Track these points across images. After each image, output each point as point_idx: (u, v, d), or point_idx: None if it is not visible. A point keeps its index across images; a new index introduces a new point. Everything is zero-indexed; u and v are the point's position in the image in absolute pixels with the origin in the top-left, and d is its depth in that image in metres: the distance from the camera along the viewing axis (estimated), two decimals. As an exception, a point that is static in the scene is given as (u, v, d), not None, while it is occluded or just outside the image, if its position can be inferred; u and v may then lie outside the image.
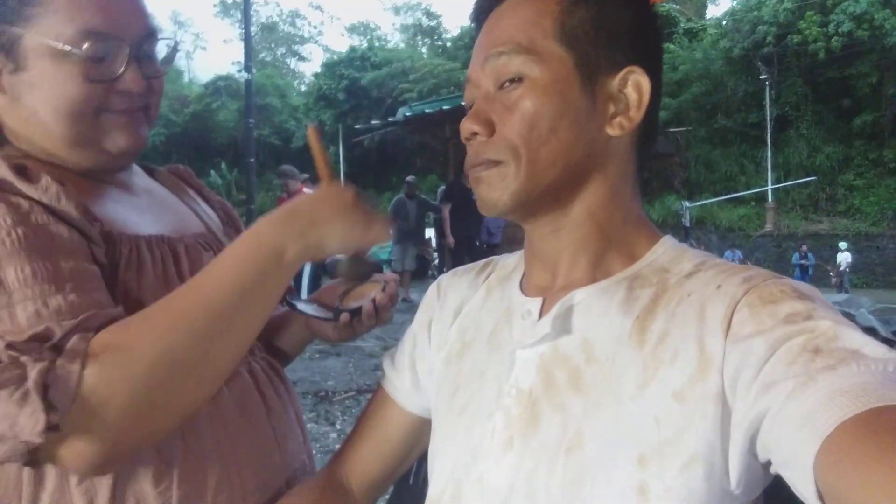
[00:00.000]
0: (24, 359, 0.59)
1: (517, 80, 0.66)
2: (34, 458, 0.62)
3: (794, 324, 0.54)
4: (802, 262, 17.92)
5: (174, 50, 0.89)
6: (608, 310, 0.65)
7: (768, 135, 21.37)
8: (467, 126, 0.68)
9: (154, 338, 0.64)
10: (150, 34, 0.82)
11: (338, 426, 4.34)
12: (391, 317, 0.93)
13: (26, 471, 0.69)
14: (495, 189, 0.67)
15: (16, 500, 0.69)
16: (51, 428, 0.59)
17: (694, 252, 0.69)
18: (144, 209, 0.87)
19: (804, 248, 18.24)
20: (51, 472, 0.69)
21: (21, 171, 0.72)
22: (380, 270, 0.93)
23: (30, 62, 0.75)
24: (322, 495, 0.81)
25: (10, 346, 0.60)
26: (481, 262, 0.87)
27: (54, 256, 0.67)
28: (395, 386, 0.86)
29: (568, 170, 0.67)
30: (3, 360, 0.60)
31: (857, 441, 0.43)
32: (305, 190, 6.95)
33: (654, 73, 0.68)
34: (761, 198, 20.78)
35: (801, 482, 0.47)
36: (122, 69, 0.78)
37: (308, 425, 4.11)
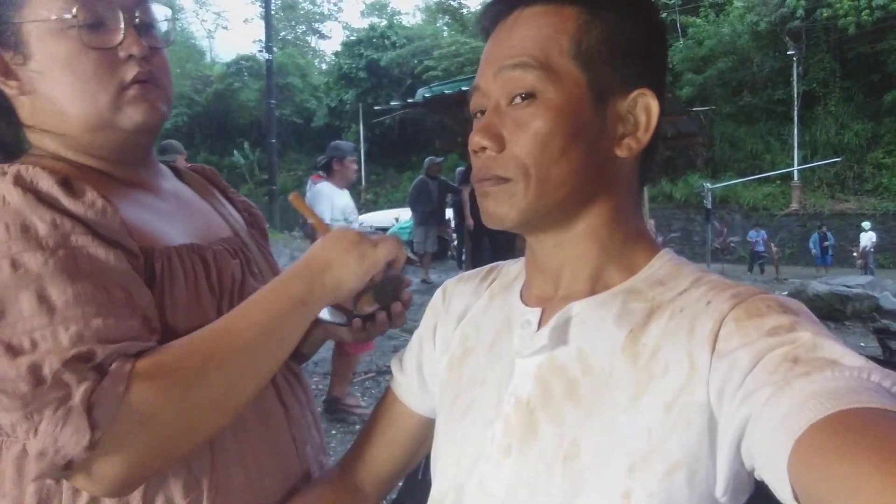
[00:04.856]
0: (67, 378, 0.62)
1: (530, 95, 0.65)
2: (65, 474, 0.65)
3: (777, 336, 0.56)
4: (824, 244, 17.52)
5: (173, 23, 0.89)
6: (604, 322, 0.67)
7: (795, 112, 20.95)
8: (476, 140, 0.68)
9: (192, 367, 0.70)
10: (142, 1, 0.82)
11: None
12: (405, 321, 0.95)
13: (65, 481, 0.71)
14: (502, 205, 0.68)
15: None
16: (91, 445, 0.62)
17: (692, 267, 0.70)
18: (173, 215, 0.88)
19: (823, 228, 17.81)
20: None
21: (66, 184, 0.73)
22: (404, 284, 0.96)
23: (33, 48, 0.77)
24: (334, 493, 0.86)
25: (54, 365, 0.63)
26: (486, 268, 0.89)
27: (95, 279, 0.69)
28: (402, 388, 0.89)
29: (576, 190, 0.67)
30: (47, 379, 0.62)
31: (825, 440, 0.45)
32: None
33: (660, 94, 0.69)
34: (787, 176, 20.41)
35: (777, 483, 0.49)
36: (122, 36, 0.79)
37: (330, 405, 4.13)
